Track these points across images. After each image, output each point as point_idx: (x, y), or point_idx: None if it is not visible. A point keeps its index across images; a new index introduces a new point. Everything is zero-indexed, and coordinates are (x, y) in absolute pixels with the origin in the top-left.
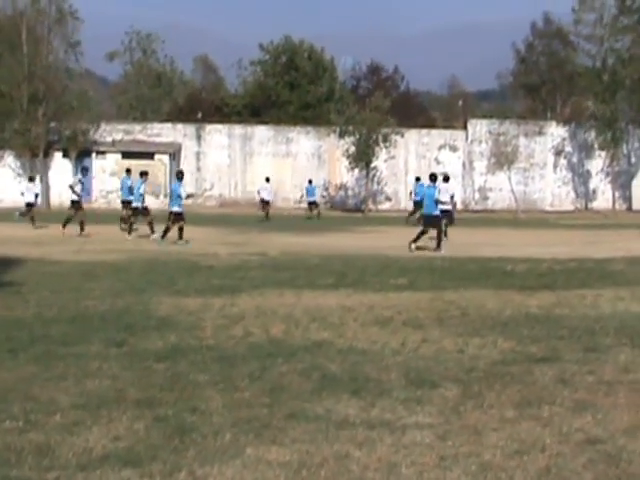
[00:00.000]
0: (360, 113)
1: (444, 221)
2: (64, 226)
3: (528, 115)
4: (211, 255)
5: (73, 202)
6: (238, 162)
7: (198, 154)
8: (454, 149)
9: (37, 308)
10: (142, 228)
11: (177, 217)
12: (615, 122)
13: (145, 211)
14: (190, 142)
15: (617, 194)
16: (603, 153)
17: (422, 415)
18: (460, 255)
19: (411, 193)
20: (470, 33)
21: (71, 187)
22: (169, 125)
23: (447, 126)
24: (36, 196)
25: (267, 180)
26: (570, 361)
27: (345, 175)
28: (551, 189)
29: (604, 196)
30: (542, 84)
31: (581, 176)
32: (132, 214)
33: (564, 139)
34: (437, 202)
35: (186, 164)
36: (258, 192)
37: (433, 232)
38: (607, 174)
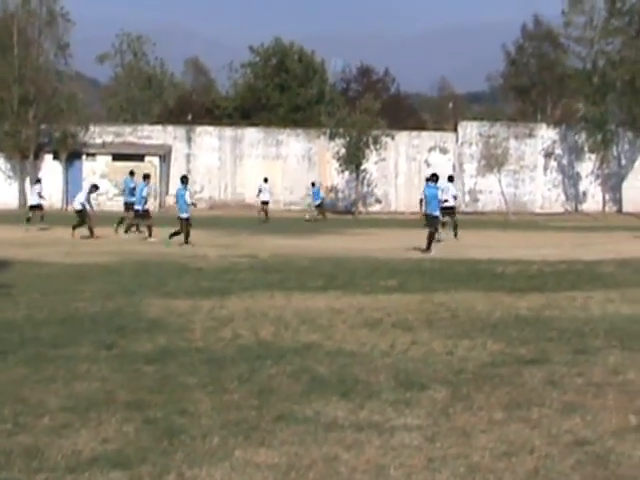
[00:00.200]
0: (350, 115)
1: (454, 218)
2: (91, 232)
3: (518, 117)
4: (201, 257)
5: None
6: (228, 164)
7: (188, 156)
8: (444, 151)
9: (27, 310)
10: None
11: (187, 222)
12: (605, 124)
13: (146, 214)
14: (180, 144)
15: (607, 196)
16: (593, 155)
17: (411, 417)
18: (450, 257)
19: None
20: (460, 35)
21: (87, 201)
22: (159, 127)
23: (437, 128)
24: (40, 196)
25: (265, 181)
26: (559, 363)
27: (335, 177)
28: (541, 191)
29: (594, 198)
30: (532, 86)
31: (571, 178)
32: (135, 216)
33: (554, 141)
34: (440, 202)
35: (176, 166)
36: (260, 192)
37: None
38: (597, 176)
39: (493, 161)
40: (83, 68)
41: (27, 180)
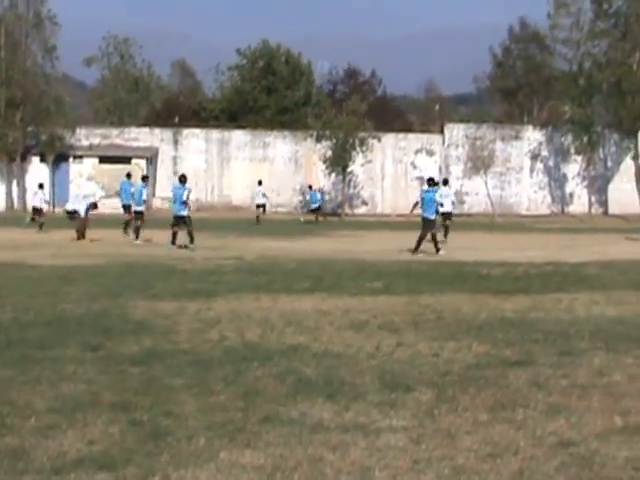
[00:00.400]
0: (337, 117)
1: (448, 222)
2: (79, 235)
3: (505, 119)
4: (186, 259)
5: (68, 212)
6: (215, 166)
7: (175, 158)
8: (431, 153)
9: (13, 312)
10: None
11: (187, 220)
12: (591, 126)
13: (139, 215)
14: (167, 146)
15: (593, 198)
16: (579, 157)
17: (396, 419)
18: (436, 259)
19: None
20: (447, 37)
21: (86, 214)
22: (146, 129)
23: (424, 130)
24: (45, 202)
25: (259, 183)
26: (544, 365)
27: (322, 179)
28: (527, 193)
29: (580, 200)
30: (519, 88)
31: (557, 180)
32: (135, 218)
33: (540, 143)
34: (438, 206)
35: (163, 168)
36: (261, 195)
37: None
38: (583, 178)
39: (479, 163)
40: (70, 71)
41: (14, 183)
